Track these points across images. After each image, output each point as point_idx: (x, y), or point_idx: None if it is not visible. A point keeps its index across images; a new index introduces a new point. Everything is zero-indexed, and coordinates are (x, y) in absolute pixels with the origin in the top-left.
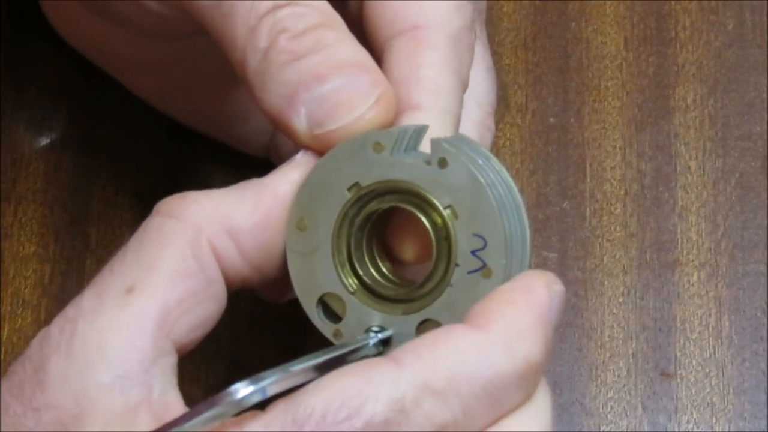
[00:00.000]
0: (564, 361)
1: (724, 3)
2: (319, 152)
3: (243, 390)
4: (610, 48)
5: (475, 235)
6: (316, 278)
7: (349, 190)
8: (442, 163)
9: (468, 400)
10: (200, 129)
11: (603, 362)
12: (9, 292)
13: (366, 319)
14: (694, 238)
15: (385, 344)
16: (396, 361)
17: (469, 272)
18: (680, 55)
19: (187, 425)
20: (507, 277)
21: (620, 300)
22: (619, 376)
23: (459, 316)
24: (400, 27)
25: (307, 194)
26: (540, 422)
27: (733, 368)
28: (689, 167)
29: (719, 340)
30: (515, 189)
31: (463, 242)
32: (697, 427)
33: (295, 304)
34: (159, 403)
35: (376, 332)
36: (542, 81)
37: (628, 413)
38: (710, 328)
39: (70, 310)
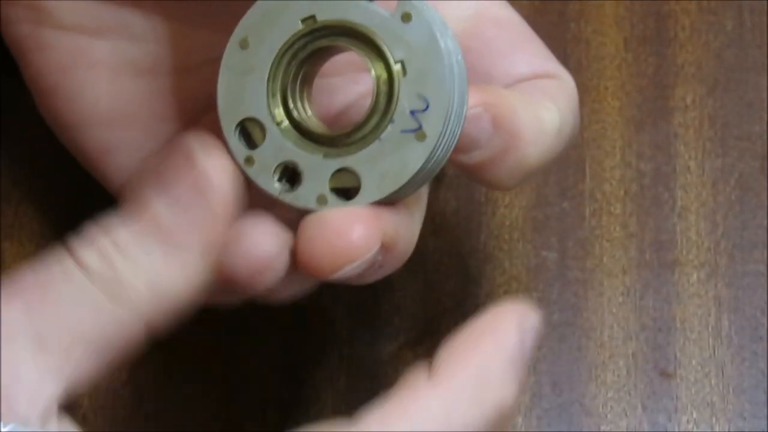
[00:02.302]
0: (564, 361)
1: (724, 3)
2: None
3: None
4: (609, 48)
5: (419, 95)
6: (244, 99)
7: (303, 21)
8: (406, 17)
9: None
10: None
11: (603, 362)
12: None
13: (283, 153)
14: (694, 238)
15: (292, 184)
16: (360, 424)
17: (403, 131)
18: (679, 55)
19: None
20: (438, 146)
21: (620, 300)
22: (618, 375)
23: (379, 171)
24: None
25: (258, 14)
26: None
27: (732, 368)
28: (689, 167)
29: (719, 340)
30: (464, 65)
31: (404, 100)
32: (697, 427)
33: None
34: None
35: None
36: None
37: (627, 413)
38: (710, 328)
39: None
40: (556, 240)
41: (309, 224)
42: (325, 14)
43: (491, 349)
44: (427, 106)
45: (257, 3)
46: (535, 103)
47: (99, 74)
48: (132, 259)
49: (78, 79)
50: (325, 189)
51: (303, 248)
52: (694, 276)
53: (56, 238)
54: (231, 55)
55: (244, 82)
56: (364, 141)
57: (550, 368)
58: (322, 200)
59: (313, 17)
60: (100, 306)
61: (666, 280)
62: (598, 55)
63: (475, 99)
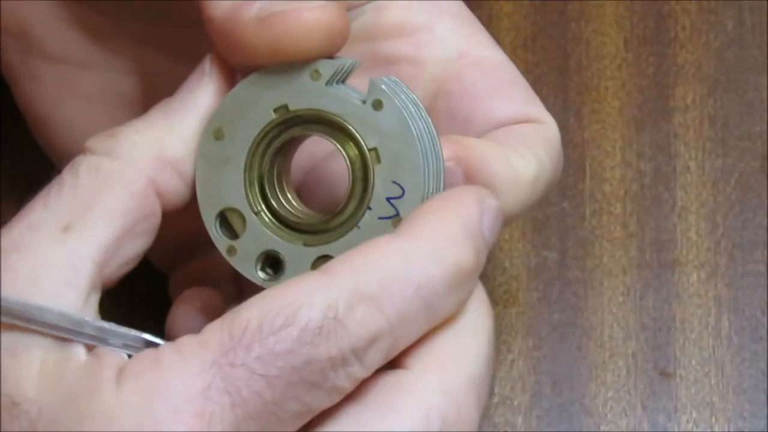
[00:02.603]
0: (564, 361)
1: (724, 3)
2: (254, 52)
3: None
4: (609, 48)
5: (394, 182)
6: (222, 190)
7: (275, 110)
8: (377, 104)
9: (401, 305)
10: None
11: (603, 362)
12: None
13: (264, 242)
14: (694, 238)
15: (275, 271)
16: (327, 271)
17: (380, 218)
18: (680, 55)
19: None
20: None
21: (620, 300)
22: (618, 375)
23: None
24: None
25: (231, 105)
26: (472, 340)
27: (732, 368)
28: (689, 167)
29: (719, 340)
30: (438, 143)
31: (379, 187)
32: (697, 427)
33: None
34: None
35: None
36: (542, 81)
37: (627, 413)
38: (710, 328)
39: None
40: (556, 240)
41: None
42: (298, 103)
43: (452, 215)
44: (403, 193)
45: (229, 93)
46: (509, 151)
47: (90, 106)
48: (131, 126)
49: (69, 111)
50: None
51: None
52: (694, 276)
53: None
54: (206, 145)
55: (221, 173)
56: (343, 228)
57: (550, 368)
58: None
59: (285, 106)
60: (108, 171)
61: (666, 280)
62: (598, 55)
63: (446, 152)
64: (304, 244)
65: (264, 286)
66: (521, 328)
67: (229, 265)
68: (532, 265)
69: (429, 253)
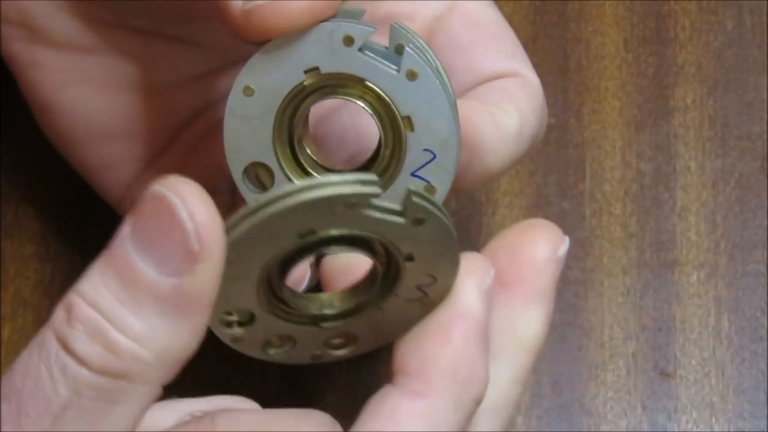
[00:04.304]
0: (564, 361)
1: (724, 3)
2: (251, 38)
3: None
4: (609, 48)
5: (426, 150)
6: (251, 144)
7: (306, 72)
8: (411, 75)
9: None
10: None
11: (603, 362)
12: (10, 292)
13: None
14: (694, 239)
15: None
16: None
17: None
18: (680, 55)
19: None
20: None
21: (620, 300)
22: (618, 375)
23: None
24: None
25: (261, 62)
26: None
27: (732, 368)
28: (689, 167)
29: (719, 340)
30: (455, 103)
31: (412, 154)
32: (697, 427)
33: None
34: None
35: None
36: (542, 81)
37: (627, 413)
38: (710, 328)
39: None
40: None
41: None
42: (330, 65)
43: (461, 341)
44: (434, 158)
45: (259, 51)
46: (494, 110)
47: (94, 91)
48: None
49: (74, 96)
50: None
51: None
52: (694, 276)
53: (56, 238)
54: (235, 101)
55: (250, 128)
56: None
57: (550, 368)
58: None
59: (317, 69)
60: (117, 392)
61: (666, 280)
62: (598, 55)
63: None
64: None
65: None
66: None
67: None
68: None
69: (449, 410)
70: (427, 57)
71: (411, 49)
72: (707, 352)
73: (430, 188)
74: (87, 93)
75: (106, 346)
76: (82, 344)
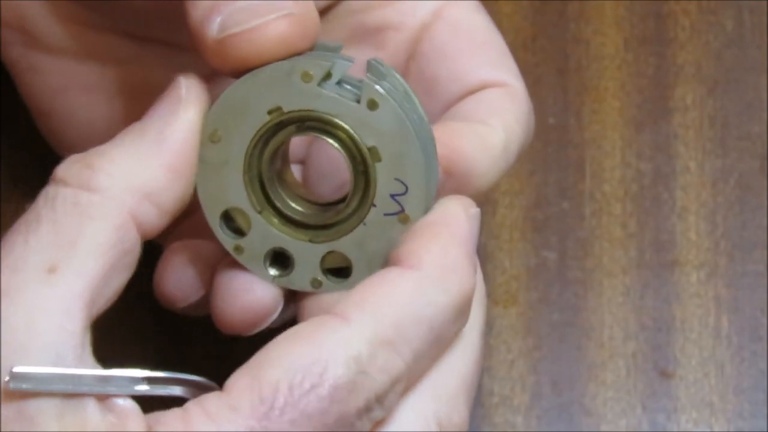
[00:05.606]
0: (564, 361)
1: (723, 3)
2: (223, 67)
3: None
4: (609, 48)
5: (396, 179)
6: (223, 191)
7: (269, 112)
8: (372, 104)
9: (416, 344)
10: None
11: (602, 362)
12: None
13: (270, 239)
14: (694, 239)
15: (285, 267)
16: (342, 317)
17: (386, 215)
18: (679, 55)
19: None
20: None
21: (619, 300)
22: (618, 375)
23: (368, 253)
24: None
25: (224, 107)
26: (468, 359)
27: (732, 368)
28: (688, 167)
29: (718, 340)
30: (431, 132)
31: (382, 184)
32: (696, 427)
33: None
34: None
35: None
36: (541, 81)
37: (627, 413)
38: (709, 328)
39: None
40: (556, 240)
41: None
42: (291, 104)
43: (449, 238)
44: (406, 190)
45: (222, 95)
46: (481, 129)
47: (91, 96)
48: (105, 155)
49: (72, 102)
50: (318, 272)
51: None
52: (694, 276)
53: None
54: (203, 148)
55: (221, 174)
56: (349, 224)
57: (550, 368)
58: (315, 283)
59: (279, 108)
60: (87, 205)
61: (666, 280)
62: (598, 55)
63: None
64: (311, 241)
65: (274, 282)
66: (521, 328)
67: None
68: (532, 266)
69: (436, 286)
70: (393, 83)
71: (369, 78)
72: (707, 352)
73: (405, 217)
74: (84, 98)
75: (85, 163)
76: (64, 165)
